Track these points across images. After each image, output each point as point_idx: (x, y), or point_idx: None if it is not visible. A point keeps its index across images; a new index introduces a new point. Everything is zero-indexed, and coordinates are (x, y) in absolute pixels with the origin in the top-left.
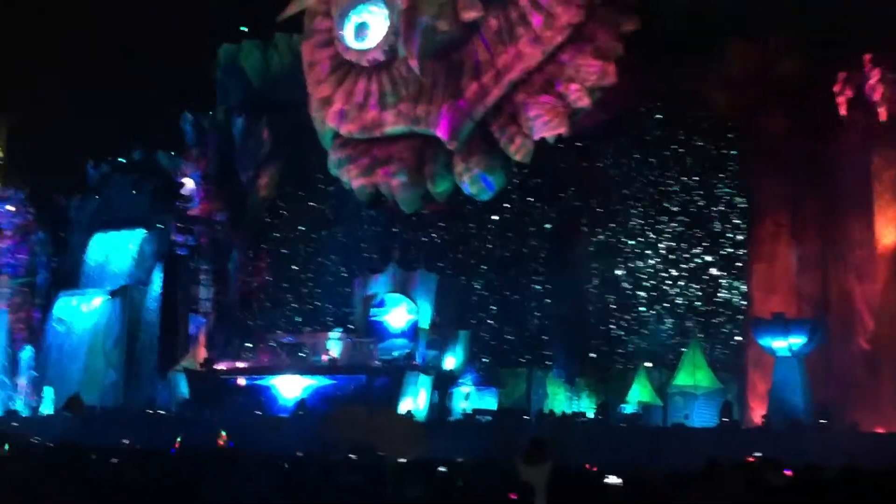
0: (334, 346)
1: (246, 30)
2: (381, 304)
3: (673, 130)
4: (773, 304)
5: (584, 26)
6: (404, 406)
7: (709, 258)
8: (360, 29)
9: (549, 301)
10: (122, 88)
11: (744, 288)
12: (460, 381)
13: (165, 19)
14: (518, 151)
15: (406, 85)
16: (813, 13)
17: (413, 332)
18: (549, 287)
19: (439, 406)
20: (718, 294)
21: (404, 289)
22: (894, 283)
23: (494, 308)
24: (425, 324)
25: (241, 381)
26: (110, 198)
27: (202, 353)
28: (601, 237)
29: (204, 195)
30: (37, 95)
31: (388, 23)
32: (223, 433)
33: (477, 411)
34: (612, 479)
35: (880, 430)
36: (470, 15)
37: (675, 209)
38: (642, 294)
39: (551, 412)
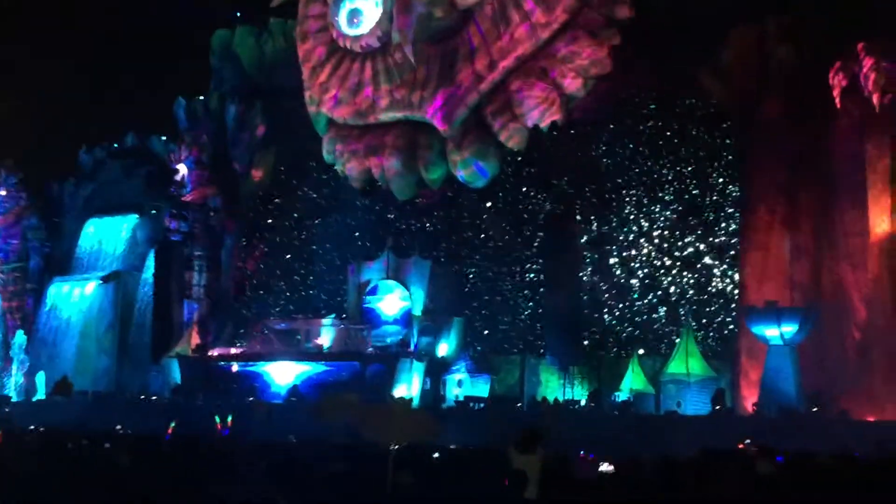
0: (327, 332)
1: (240, 15)
2: (374, 292)
3: (667, 119)
4: (766, 293)
5: (580, 14)
6: (397, 392)
7: (702, 247)
8: (354, 14)
9: (542, 289)
10: (115, 74)
11: (737, 276)
12: (453, 368)
13: (160, 5)
14: (512, 139)
15: (400, 71)
16: (808, 2)
17: (406, 319)
18: (542, 275)
19: (432, 393)
20: (711, 283)
21: (398, 276)
22: (887, 272)
23: (488, 295)
24: (418, 311)
25: (235, 368)
26: (103, 183)
27: (195, 340)
28: (595, 225)
29: (197, 181)
30: (29, 81)
31: (381, 9)
32: (218, 420)
33: (470, 398)
34: (605, 467)
35: (871, 419)
36: (465, 1)
37: (669, 198)
38: (635, 282)
39: (544, 399)
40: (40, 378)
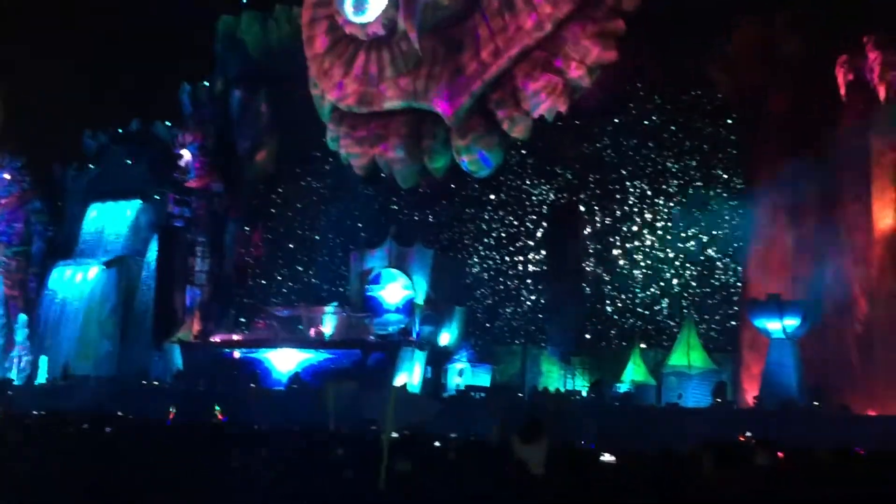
0: (329, 320)
1: (246, 2)
2: (376, 280)
3: (672, 110)
4: (769, 286)
5: (586, 4)
6: (398, 381)
7: (705, 239)
8: (360, 2)
9: (545, 280)
10: (120, 59)
11: (739, 269)
12: (455, 357)
13: None
14: (516, 128)
15: (405, 59)
16: None
17: (408, 307)
18: (545, 266)
19: (433, 382)
20: (714, 275)
21: (400, 264)
22: (890, 266)
23: (490, 285)
24: (421, 300)
25: (236, 354)
26: (107, 168)
27: (197, 326)
28: (598, 217)
29: (201, 167)
30: (35, 64)
31: None
32: (217, 409)
33: (471, 387)
34: (607, 457)
35: (872, 413)
36: None
37: (673, 190)
38: (638, 274)
39: (545, 390)
40: (42, 362)
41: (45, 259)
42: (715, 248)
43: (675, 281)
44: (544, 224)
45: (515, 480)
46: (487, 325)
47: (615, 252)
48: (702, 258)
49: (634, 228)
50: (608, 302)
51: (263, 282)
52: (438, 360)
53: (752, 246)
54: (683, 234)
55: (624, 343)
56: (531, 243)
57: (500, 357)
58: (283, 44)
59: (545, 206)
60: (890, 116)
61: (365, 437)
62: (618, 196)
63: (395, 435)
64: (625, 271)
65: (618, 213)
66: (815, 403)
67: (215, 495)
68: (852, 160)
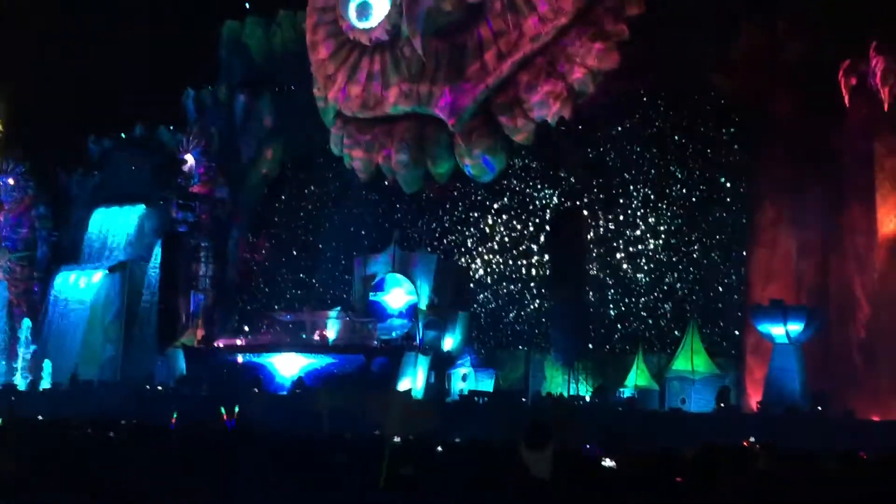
0: (333, 325)
1: (249, 7)
2: (380, 285)
3: (676, 115)
4: (773, 291)
5: (589, 9)
6: (402, 386)
7: (709, 243)
8: (363, 8)
9: (548, 284)
10: (124, 64)
11: (743, 274)
12: (458, 362)
13: None
14: (520, 133)
15: (409, 64)
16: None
17: (412, 312)
18: (548, 270)
19: (437, 387)
20: (718, 280)
21: (404, 269)
22: (893, 271)
23: (493, 290)
24: (424, 305)
25: (240, 359)
26: (111, 173)
27: (201, 331)
28: (601, 221)
29: (205, 172)
30: (39, 69)
31: (391, 2)
32: (224, 411)
33: (474, 392)
34: (607, 462)
35: (876, 418)
36: None
37: (676, 194)
38: (642, 279)
39: (549, 395)
40: (47, 366)
41: (50, 264)
42: (718, 253)
43: (678, 285)
44: (547, 228)
45: (519, 486)
46: (491, 329)
47: (618, 256)
48: (705, 262)
49: (637, 233)
50: (611, 306)
51: (267, 287)
52: (442, 365)
53: (755, 251)
54: (687, 239)
55: (627, 348)
56: (534, 247)
57: (503, 362)
58: (287, 49)
59: (548, 211)
60: (893, 122)
61: (366, 441)
62: (621, 200)
63: (397, 439)
64: (628, 276)
65: (621, 217)
66: (819, 408)
67: (218, 498)
68: (856, 165)
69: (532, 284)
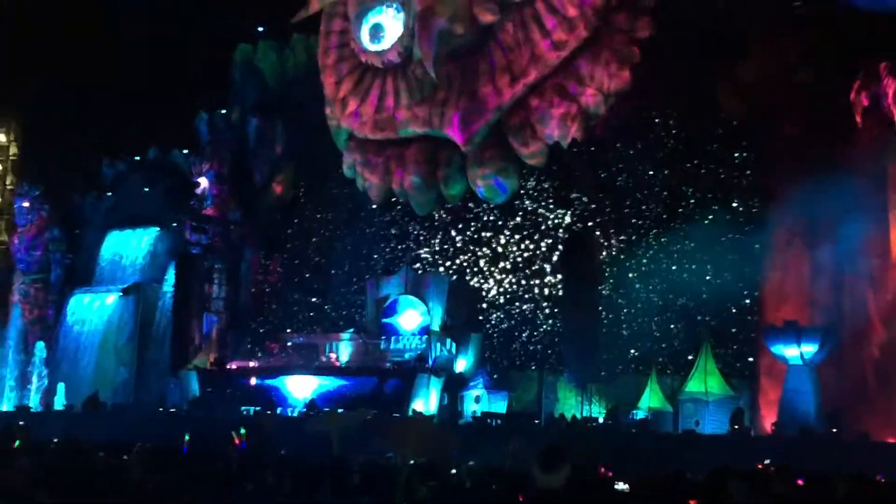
0: (346, 347)
1: (262, 30)
2: (393, 307)
3: (688, 136)
4: (786, 312)
5: (600, 31)
6: (414, 408)
7: (722, 264)
8: (376, 30)
9: (561, 304)
10: (138, 88)
11: (756, 295)
12: (471, 383)
13: (182, 19)
14: (532, 155)
15: (421, 87)
16: (829, 20)
17: (425, 335)
18: (561, 290)
19: (450, 408)
20: (731, 301)
21: (416, 290)
22: None
23: (506, 309)
24: (437, 326)
25: (253, 381)
26: (125, 196)
27: (214, 352)
28: (614, 241)
29: (218, 194)
30: (52, 93)
31: (403, 25)
32: (235, 434)
33: (487, 414)
34: (620, 486)
35: (892, 440)
36: (486, 18)
37: (689, 215)
38: (655, 299)
39: (562, 416)
40: (60, 389)
41: (64, 287)
42: (731, 274)
43: (691, 306)
44: (560, 248)
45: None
46: (503, 350)
47: (630, 276)
48: (718, 283)
49: (650, 253)
50: (624, 327)
51: (280, 309)
52: (454, 386)
53: (768, 271)
54: (699, 259)
55: (641, 369)
56: (547, 267)
57: (516, 383)
58: (300, 72)
59: (561, 231)
60: None
61: (379, 464)
62: (633, 220)
63: (411, 462)
64: (641, 296)
65: (633, 238)
66: (834, 430)
67: None
68: (869, 186)
69: (545, 304)
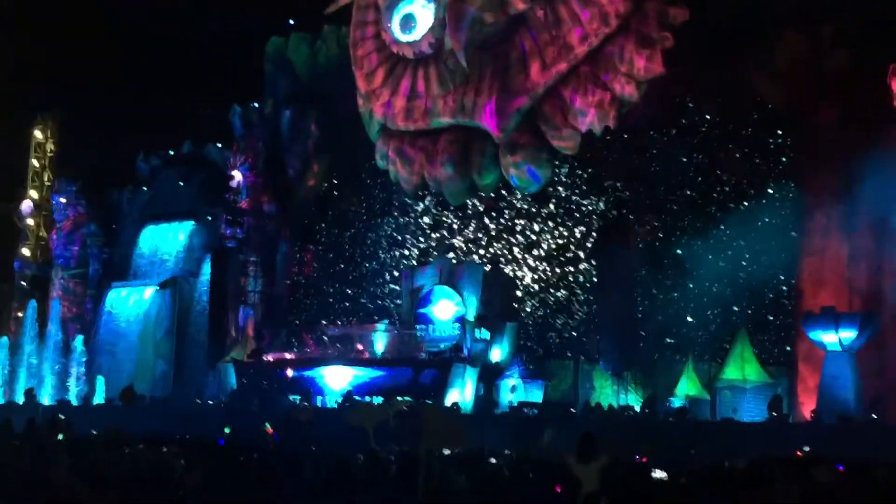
0: (381, 338)
1: (294, 23)
2: (427, 298)
3: (722, 122)
4: (824, 298)
5: (633, 17)
6: (450, 398)
7: (758, 250)
8: (407, 21)
9: (595, 292)
10: (171, 83)
11: (794, 281)
12: (507, 373)
13: (214, 13)
14: (565, 143)
15: (453, 77)
16: (864, 4)
17: (460, 324)
18: (596, 278)
19: (485, 398)
20: (768, 286)
21: (450, 280)
22: None
23: (541, 297)
24: (472, 316)
25: (290, 373)
26: (160, 190)
27: (250, 345)
28: (649, 228)
29: (252, 187)
30: (87, 90)
31: (434, 15)
32: (268, 426)
33: (523, 404)
34: (658, 474)
35: None
36: (517, 6)
37: (724, 200)
38: (690, 285)
39: (598, 405)
40: (100, 383)
41: (101, 281)
42: (767, 259)
43: (727, 292)
44: (594, 235)
45: (569, 498)
46: (539, 339)
47: (665, 262)
48: (754, 269)
49: (685, 239)
50: (660, 314)
51: (315, 301)
52: (490, 376)
53: (805, 257)
54: (735, 245)
55: (677, 356)
56: (581, 254)
57: (552, 372)
58: (332, 64)
59: (595, 218)
60: None
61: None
62: (668, 207)
63: (447, 452)
64: (676, 283)
65: (668, 224)
66: (874, 416)
67: None
68: None
69: (579, 292)
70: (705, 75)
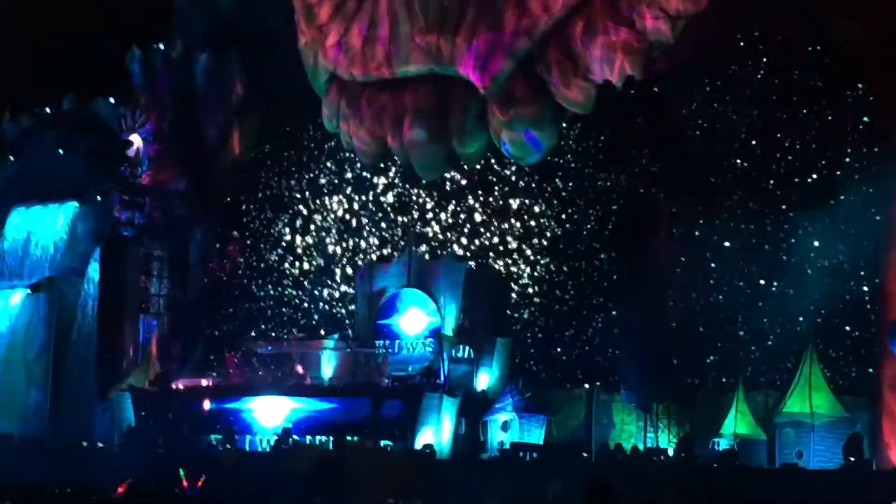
0: (329, 358)
1: None
2: (392, 304)
3: (783, 71)
4: None
5: None
6: (422, 438)
7: (832, 239)
8: None
9: (615, 297)
10: (49, 18)
11: (877, 281)
12: (497, 405)
13: None
14: (575, 99)
15: (426, 10)
16: None
17: (434, 339)
18: (615, 280)
19: (468, 438)
20: (844, 289)
21: (423, 282)
22: None
23: (543, 304)
24: (450, 329)
25: (206, 405)
26: (33, 161)
27: (154, 368)
28: (685, 211)
29: (156, 157)
30: None
31: None
32: (183, 475)
33: (519, 446)
34: None
35: None
36: None
37: (786, 173)
38: (742, 286)
39: (619, 448)
40: None
41: None
42: (844, 253)
43: (790, 295)
44: (613, 220)
45: None
46: (539, 360)
47: (707, 256)
48: (826, 265)
49: (732, 225)
50: (700, 326)
51: (241, 308)
52: (475, 409)
53: (893, 250)
54: (800, 233)
55: (723, 382)
56: (596, 246)
57: (557, 405)
58: None
59: (614, 195)
60: None
61: None
62: (711, 181)
63: None
64: (721, 283)
65: (711, 206)
66: None
67: None
68: None
69: (593, 296)
70: (760, 7)
